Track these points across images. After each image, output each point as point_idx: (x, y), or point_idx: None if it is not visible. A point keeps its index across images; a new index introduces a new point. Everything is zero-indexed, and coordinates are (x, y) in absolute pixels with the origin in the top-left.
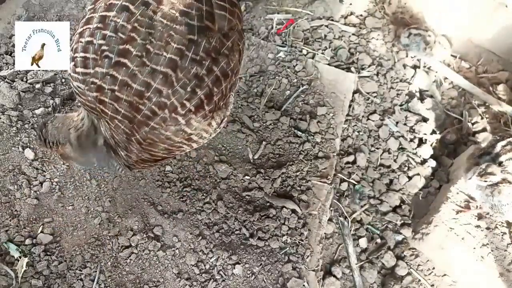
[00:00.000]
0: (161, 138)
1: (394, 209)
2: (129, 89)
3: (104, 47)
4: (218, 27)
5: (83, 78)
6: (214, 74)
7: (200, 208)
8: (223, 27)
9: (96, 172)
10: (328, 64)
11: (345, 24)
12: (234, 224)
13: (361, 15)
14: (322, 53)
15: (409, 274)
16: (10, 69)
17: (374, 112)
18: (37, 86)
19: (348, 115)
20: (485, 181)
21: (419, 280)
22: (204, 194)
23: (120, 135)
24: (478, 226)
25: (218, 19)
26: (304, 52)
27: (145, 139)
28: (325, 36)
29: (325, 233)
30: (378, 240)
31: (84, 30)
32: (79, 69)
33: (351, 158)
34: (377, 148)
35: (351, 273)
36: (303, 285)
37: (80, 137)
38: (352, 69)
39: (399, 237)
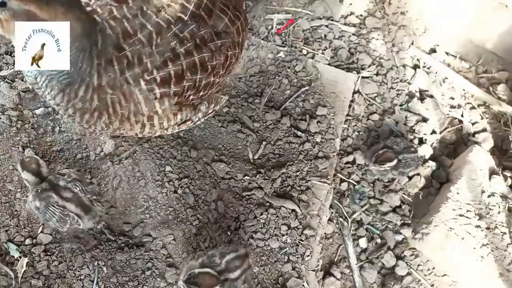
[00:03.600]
0: (120, 93)
1: (394, 209)
2: (122, 23)
3: None
4: (212, 24)
5: None
6: (191, 59)
7: None
8: (217, 27)
9: (96, 172)
10: (328, 64)
11: (345, 24)
12: (234, 223)
13: (361, 15)
14: (322, 53)
15: (409, 274)
16: (10, 69)
17: (374, 112)
18: None
19: (348, 115)
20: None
21: (419, 280)
22: (204, 194)
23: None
24: (478, 226)
25: (216, 18)
26: (304, 52)
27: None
28: (325, 36)
29: (325, 233)
30: (378, 240)
31: None
32: None
33: (351, 158)
34: None
35: (351, 273)
36: (303, 285)
37: None
38: (352, 69)
39: (399, 237)
